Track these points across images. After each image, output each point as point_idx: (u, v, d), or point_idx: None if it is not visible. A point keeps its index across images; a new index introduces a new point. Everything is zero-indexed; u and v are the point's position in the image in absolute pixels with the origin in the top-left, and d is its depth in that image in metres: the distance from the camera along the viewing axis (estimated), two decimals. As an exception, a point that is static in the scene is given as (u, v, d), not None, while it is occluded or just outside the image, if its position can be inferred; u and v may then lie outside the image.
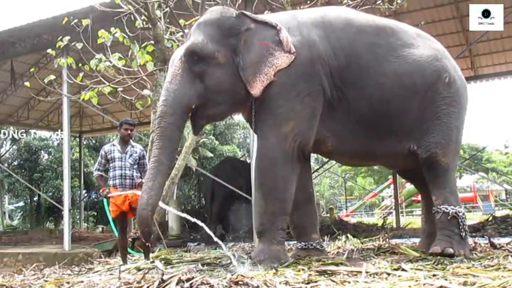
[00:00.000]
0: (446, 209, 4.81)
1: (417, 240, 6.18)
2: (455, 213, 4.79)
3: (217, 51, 4.50)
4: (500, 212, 16.54)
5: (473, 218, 12.50)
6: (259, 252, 4.47)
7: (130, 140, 5.88)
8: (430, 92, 4.93)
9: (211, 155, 20.39)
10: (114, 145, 5.79)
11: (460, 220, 4.79)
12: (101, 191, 5.85)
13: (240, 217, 10.36)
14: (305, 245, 4.95)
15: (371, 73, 4.75)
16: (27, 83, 10.19)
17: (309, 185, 5.20)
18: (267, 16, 4.99)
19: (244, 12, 4.75)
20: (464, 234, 4.79)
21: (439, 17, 11.94)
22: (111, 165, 5.72)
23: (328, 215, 17.14)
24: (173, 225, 11.34)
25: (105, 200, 6.14)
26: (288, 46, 4.46)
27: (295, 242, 5.16)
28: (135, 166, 5.75)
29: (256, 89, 4.48)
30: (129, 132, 5.76)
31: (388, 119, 4.87)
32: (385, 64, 4.79)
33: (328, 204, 29.51)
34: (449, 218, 4.80)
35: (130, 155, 5.72)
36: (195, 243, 9.93)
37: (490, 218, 10.21)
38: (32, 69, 13.61)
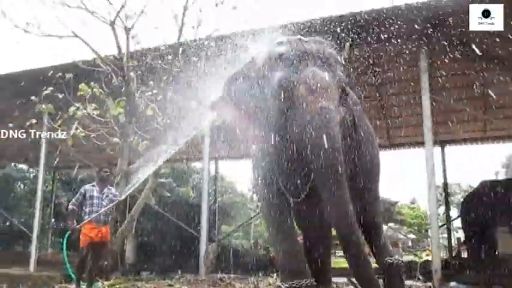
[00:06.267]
0: None
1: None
2: None
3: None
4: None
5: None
6: None
7: (107, 184, 6.20)
8: None
9: (168, 194, 20.22)
10: (93, 186, 6.06)
11: None
12: (68, 223, 5.93)
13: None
14: None
15: None
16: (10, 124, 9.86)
17: None
18: None
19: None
20: None
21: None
22: (88, 202, 5.88)
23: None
24: (130, 255, 11.02)
25: (65, 237, 5.99)
26: None
27: None
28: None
29: None
30: (108, 173, 6.21)
31: None
32: None
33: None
34: None
35: (107, 196, 6.01)
36: (148, 273, 9.65)
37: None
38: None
